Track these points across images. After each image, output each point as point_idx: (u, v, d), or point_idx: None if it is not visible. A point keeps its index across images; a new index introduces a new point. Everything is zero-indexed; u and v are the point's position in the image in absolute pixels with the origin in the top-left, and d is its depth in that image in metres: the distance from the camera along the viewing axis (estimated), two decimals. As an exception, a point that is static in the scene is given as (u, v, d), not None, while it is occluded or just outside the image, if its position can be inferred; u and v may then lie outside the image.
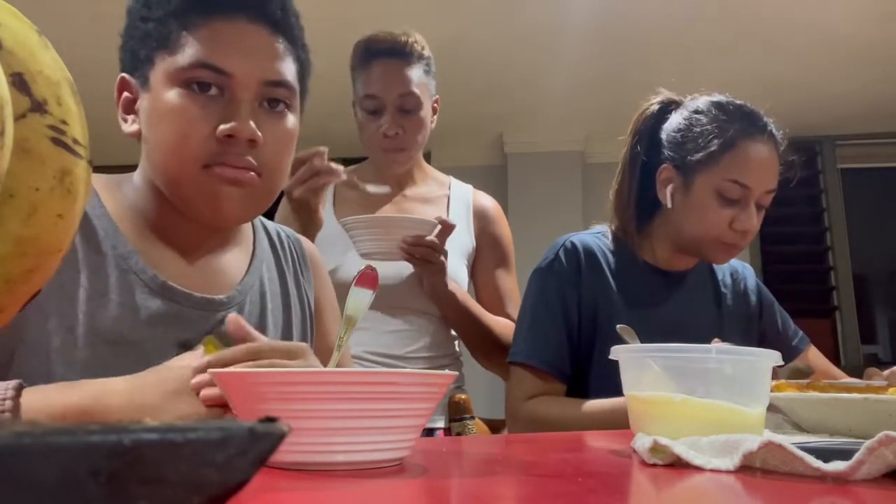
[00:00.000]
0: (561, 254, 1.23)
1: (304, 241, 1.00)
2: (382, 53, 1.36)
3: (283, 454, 0.47)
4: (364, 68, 1.39)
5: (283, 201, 1.47)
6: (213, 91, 0.75)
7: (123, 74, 0.80)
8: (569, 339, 1.19)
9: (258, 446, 0.24)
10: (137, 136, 0.80)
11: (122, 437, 0.20)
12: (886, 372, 1.12)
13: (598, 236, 1.28)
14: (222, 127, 0.73)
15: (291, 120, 0.80)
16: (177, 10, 0.75)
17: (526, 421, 1.16)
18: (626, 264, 1.24)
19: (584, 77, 3.26)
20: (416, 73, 1.37)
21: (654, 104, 1.26)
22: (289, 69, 0.79)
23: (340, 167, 1.22)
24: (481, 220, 1.50)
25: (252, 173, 0.76)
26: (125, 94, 0.80)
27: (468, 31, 2.89)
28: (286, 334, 0.89)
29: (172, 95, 0.74)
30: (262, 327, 0.85)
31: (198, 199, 0.76)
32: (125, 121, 0.81)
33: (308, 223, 1.24)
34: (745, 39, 2.92)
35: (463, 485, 0.49)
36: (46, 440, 0.19)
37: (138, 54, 0.77)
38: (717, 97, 1.21)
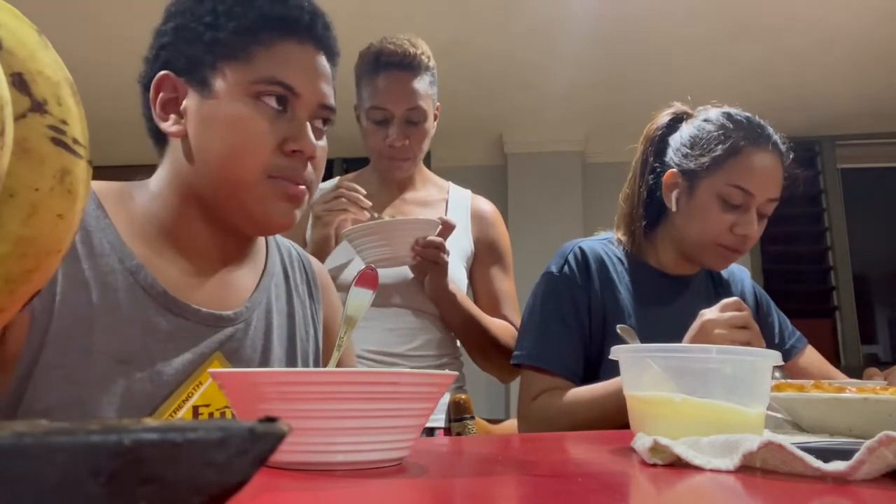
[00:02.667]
0: (571, 259, 1.24)
1: (314, 260, 1.01)
2: (392, 66, 1.39)
3: (284, 454, 0.47)
4: (372, 78, 1.40)
5: None
6: (280, 107, 0.78)
7: (167, 72, 0.79)
8: (581, 344, 1.20)
9: (258, 446, 0.24)
10: (179, 136, 0.79)
11: (122, 436, 0.20)
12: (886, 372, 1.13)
13: (604, 242, 1.29)
14: (292, 144, 0.78)
15: (325, 139, 0.86)
16: (253, 26, 0.78)
17: (536, 417, 1.17)
18: (634, 269, 1.26)
19: (583, 77, 3.26)
20: (422, 85, 1.40)
21: (665, 115, 1.30)
22: (332, 94, 0.84)
23: (368, 204, 1.30)
24: (480, 224, 1.51)
25: (305, 189, 0.81)
26: (164, 92, 0.80)
27: (468, 31, 2.89)
28: (290, 352, 0.88)
29: (241, 105, 0.77)
30: (267, 344, 0.85)
31: (254, 207, 0.78)
32: (164, 119, 0.80)
33: (321, 245, 1.30)
34: (745, 39, 2.92)
35: (463, 485, 0.49)
36: (47, 440, 0.19)
37: (199, 58, 0.78)
38: (726, 108, 1.24)
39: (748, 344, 1.01)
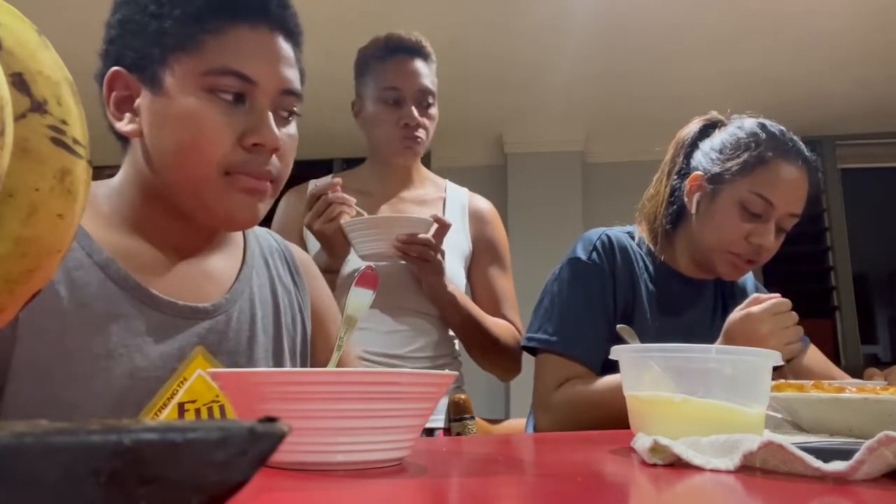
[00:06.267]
0: (599, 246, 1.22)
1: (295, 248, 0.98)
2: (401, 50, 1.42)
3: (283, 454, 0.47)
4: (382, 63, 1.42)
5: (281, 204, 1.49)
6: (236, 98, 0.74)
7: (118, 69, 0.75)
8: (606, 333, 1.16)
9: (258, 446, 0.24)
10: (135, 135, 0.76)
11: (122, 436, 0.20)
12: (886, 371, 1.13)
13: (627, 235, 1.28)
14: (252, 137, 0.74)
15: (294, 126, 0.81)
16: (199, 13, 0.73)
17: (563, 407, 1.12)
18: (654, 267, 1.26)
19: (584, 77, 3.26)
20: (429, 72, 1.44)
21: (698, 121, 1.30)
22: (297, 77, 0.80)
23: (352, 199, 1.30)
24: (477, 223, 1.51)
25: (268, 183, 0.77)
26: (117, 90, 0.76)
27: (468, 30, 2.88)
28: (276, 343, 0.86)
29: (194, 101, 0.73)
30: (251, 336, 0.82)
31: (215, 205, 0.75)
32: (119, 118, 0.76)
33: (333, 250, 1.30)
34: (745, 39, 2.92)
35: (463, 485, 0.49)
36: (47, 440, 0.19)
37: (147, 52, 0.74)
38: (761, 119, 1.23)
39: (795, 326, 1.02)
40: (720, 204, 1.18)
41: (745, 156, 1.17)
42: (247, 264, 0.87)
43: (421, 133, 1.42)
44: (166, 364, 0.74)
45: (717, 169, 1.20)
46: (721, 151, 1.21)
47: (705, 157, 1.23)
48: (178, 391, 0.74)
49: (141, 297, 0.74)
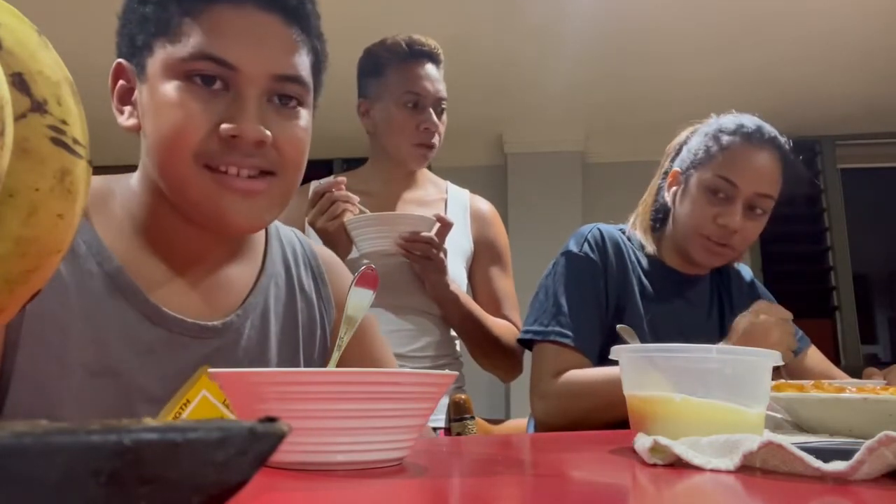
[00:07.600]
0: (591, 239, 1.26)
1: (320, 250, 0.92)
2: (424, 55, 1.44)
3: (283, 454, 0.47)
4: (404, 66, 1.43)
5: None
6: (218, 85, 0.68)
7: (120, 60, 0.72)
8: (599, 324, 1.20)
9: (258, 446, 0.24)
10: (135, 130, 0.72)
11: (122, 436, 0.20)
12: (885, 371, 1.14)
13: (619, 231, 1.32)
14: (226, 126, 0.67)
15: (305, 117, 0.74)
16: None
17: (561, 395, 1.14)
18: (646, 263, 1.29)
19: (584, 77, 3.26)
20: (442, 78, 1.46)
21: (687, 131, 1.35)
22: (302, 63, 0.72)
23: (356, 197, 1.31)
24: (478, 224, 1.52)
25: (263, 180, 0.70)
26: (121, 82, 0.73)
27: (469, 31, 2.88)
28: (292, 357, 0.81)
29: (171, 88, 0.67)
30: (263, 351, 0.78)
31: (204, 205, 0.69)
32: (121, 112, 0.73)
33: (335, 247, 1.30)
34: (745, 40, 2.92)
35: (463, 485, 0.49)
36: (47, 440, 0.19)
37: (136, 40, 0.70)
38: (739, 116, 1.27)
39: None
40: (690, 191, 1.24)
41: (711, 143, 1.22)
42: (265, 273, 0.80)
43: (436, 140, 1.44)
44: (168, 385, 0.70)
45: (688, 161, 1.26)
46: (695, 146, 1.27)
47: (685, 155, 1.29)
48: (180, 414, 0.71)
49: (148, 313, 0.69)
